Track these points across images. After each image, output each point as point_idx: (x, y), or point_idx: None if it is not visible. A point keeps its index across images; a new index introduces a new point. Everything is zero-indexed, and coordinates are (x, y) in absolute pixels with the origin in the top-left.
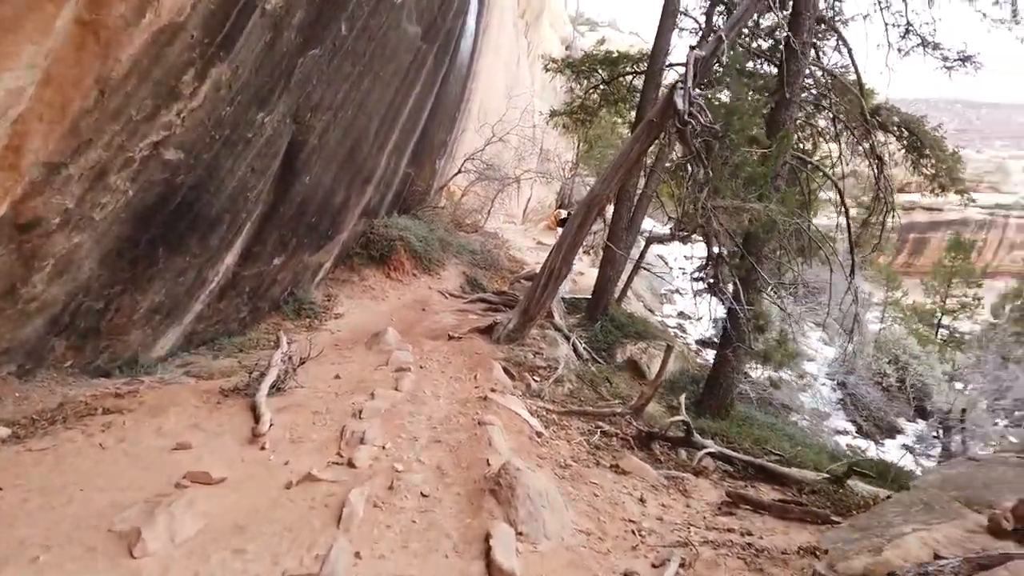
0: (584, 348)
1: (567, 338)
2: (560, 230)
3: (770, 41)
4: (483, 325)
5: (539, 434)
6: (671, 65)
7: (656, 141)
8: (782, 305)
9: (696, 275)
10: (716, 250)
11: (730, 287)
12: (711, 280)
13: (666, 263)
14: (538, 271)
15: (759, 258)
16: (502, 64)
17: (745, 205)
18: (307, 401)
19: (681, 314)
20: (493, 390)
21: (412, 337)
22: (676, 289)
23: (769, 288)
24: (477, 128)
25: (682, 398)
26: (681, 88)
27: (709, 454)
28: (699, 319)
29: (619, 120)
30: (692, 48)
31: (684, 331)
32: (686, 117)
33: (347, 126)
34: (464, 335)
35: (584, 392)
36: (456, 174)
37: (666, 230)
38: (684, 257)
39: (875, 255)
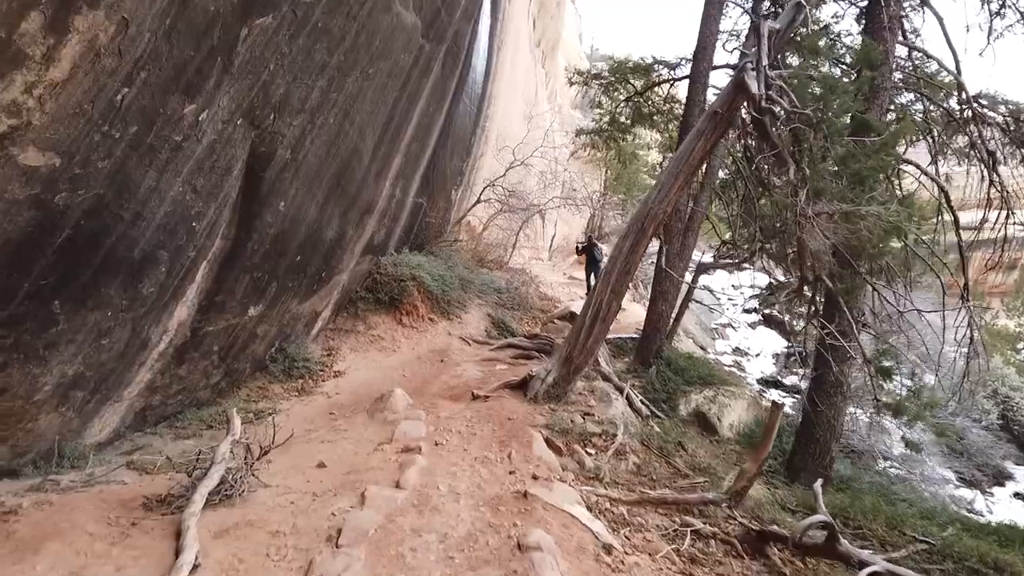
0: (641, 401)
1: (620, 390)
2: (582, 261)
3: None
4: (515, 379)
5: (608, 548)
6: (717, 67)
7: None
8: (885, 337)
9: (780, 303)
10: (810, 272)
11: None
12: (812, 309)
13: (713, 294)
14: (576, 309)
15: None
16: (520, 90)
17: (861, 209)
18: (265, 515)
19: (736, 350)
20: (535, 477)
21: (427, 398)
22: (728, 323)
23: (877, 318)
24: (496, 153)
25: (818, 485)
26: (753, 67)
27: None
28: (757, 355)
29: (655, 138)
30: (764, 17)
31: (742, 369)
32: (763, 103)
33: (331, 138)
34: (492, 393)
35: (654, 466)
36: (475, 203)
37: (708, 257)
38: (732, 287)
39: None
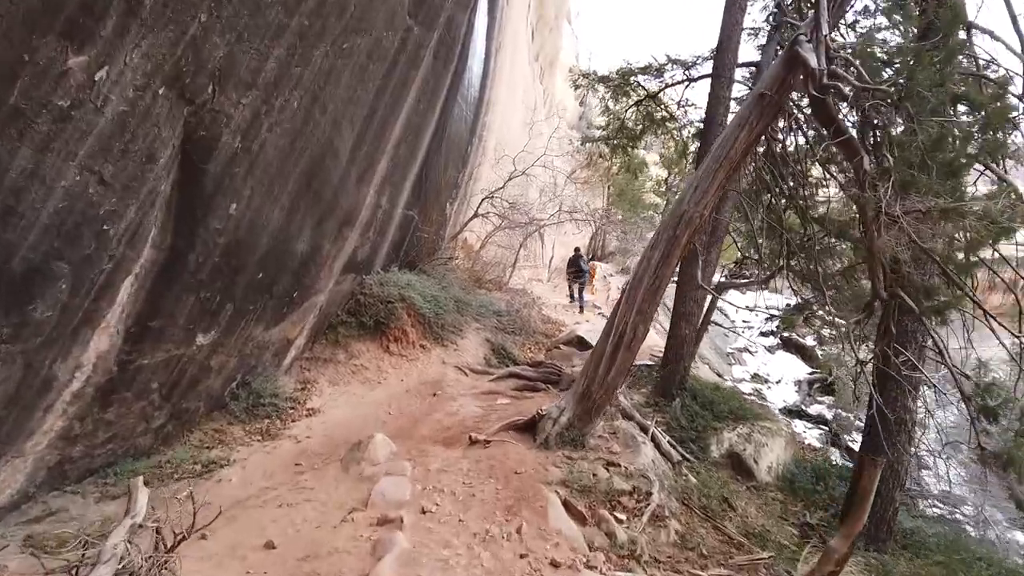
0: (669, 442)
1: (644, 430)
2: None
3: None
4: (521, 419)
5: None
6: (742, 64)
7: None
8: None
9: (848, 326)
10: (884, 287)
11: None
12: (886, 333)
13: (725, 315)
14: (583, 333)
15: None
16: (519, 97)
17: (965, 205)
18: None
19: (756, 376)
20: (555, 564)
21: (415, 443)
22: (745, 347)
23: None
24: (494, 164)
25: None
26: (808, 39)
27: None
28: (778, 382)
29: (654, 158)
30: None
31: (762, 398)
32: (825, 79)
33: (297, 127)
34: (494, 436)
35: (699, 533)
36: (473, 217)
37: (722, 277)
38: (746, 307)
39: None
